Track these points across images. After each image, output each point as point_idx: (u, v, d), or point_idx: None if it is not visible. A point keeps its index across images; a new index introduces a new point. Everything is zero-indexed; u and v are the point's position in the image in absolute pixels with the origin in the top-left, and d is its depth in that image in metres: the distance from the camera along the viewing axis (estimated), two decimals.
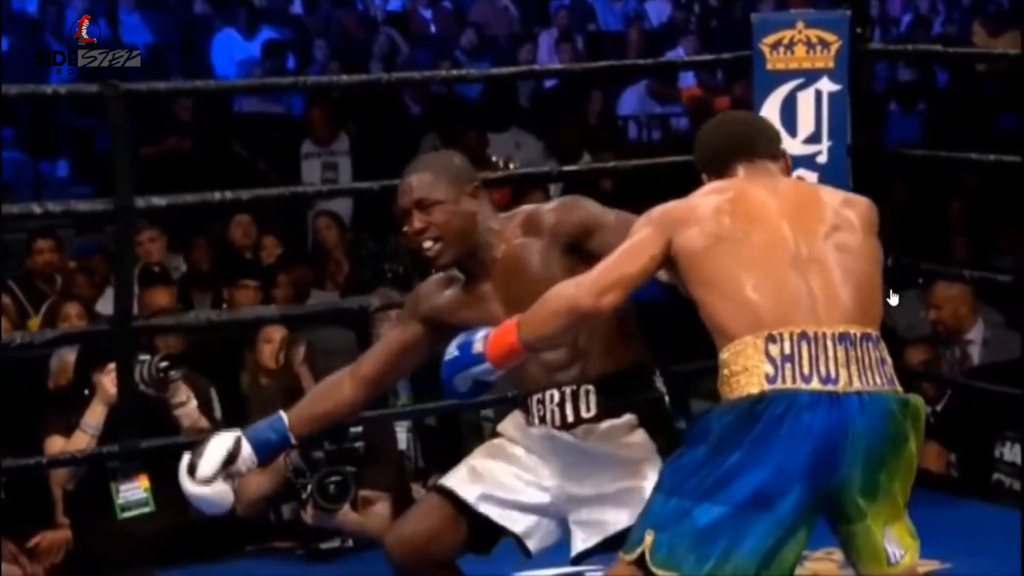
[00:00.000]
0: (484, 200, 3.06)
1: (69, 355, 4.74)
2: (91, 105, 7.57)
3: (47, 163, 8.91)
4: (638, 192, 5.89)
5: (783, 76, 4.66)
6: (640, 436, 3.00)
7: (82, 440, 4.28)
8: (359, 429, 4.19)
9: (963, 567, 4.02)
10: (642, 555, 2.65)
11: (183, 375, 4.36)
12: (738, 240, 2.69)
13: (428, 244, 3.01)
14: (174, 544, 4.30)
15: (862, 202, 2.81)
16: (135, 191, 4.15)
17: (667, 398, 3.09)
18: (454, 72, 6.68)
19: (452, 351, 2.83)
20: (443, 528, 3.06)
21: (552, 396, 3.00)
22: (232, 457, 3.05)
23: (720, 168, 2.87)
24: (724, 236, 2.70)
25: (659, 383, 3.08)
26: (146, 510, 4.25)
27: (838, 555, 4.12)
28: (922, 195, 7.20)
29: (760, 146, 2.88)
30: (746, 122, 2.98)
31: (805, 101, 4.65)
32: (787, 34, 4.66)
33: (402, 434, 5.00)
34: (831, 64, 4.63)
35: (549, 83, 9.59)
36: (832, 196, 2.80)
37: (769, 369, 2.61)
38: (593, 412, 3.00)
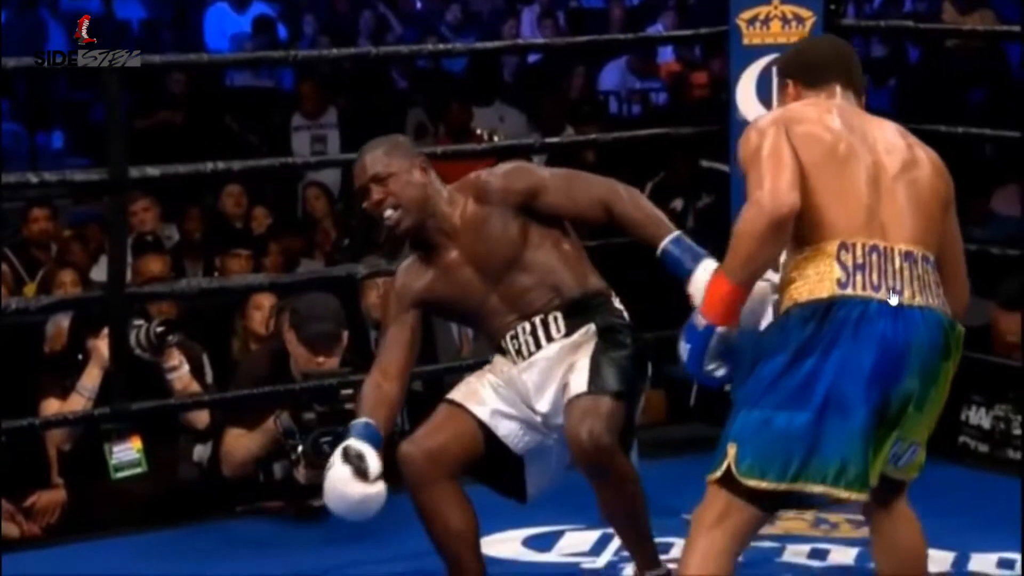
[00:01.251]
0: (432, 174, 3.29)
1: (64, 321, 4.73)
2: (86, 78, 7.54)
3: (43, 134, 8.88)
4: (619, 164, 5.88)
5: (759, 51, 4.66)
6: (594, 335, 3.25)
7: (78, 402, 4.27)
8: (350, 391, 4.19)
9: (932, 526, 4.03)
10: (728, 470, 2.69)
11: (178, 340, 4.35)
12: (831, 153, 2.74)
13: (388, 213, 3.23)
14: (165, 505, 4.29)
15: (933, 152, 2.87)
16: (129, 162, 4.13)
17: (626, 315, 3.33)
18: (440, 46, 6.65)
19: (683, 348, 2.78)
20: (453, 438, 3.28)
21: (524, 328, 3.25)
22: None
23: (818, 81, 2.89)
24: (821, 146, 2.74)
25: (617, 303, 3.33)
26: (139, 470, 4.26)
27: (809, 514, 4.15)
28: None
29: (855, 77, 2.93)
30: (851, 51, 2.99)
31: None
32: (763, 10, 4.66)
33: None
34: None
35: (532, 59, 9.57)
36: (910, 138, 2.86)
37: (840, 275, 2.68)
38: (563, 332, 3.27)
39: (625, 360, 3.23)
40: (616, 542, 3.93)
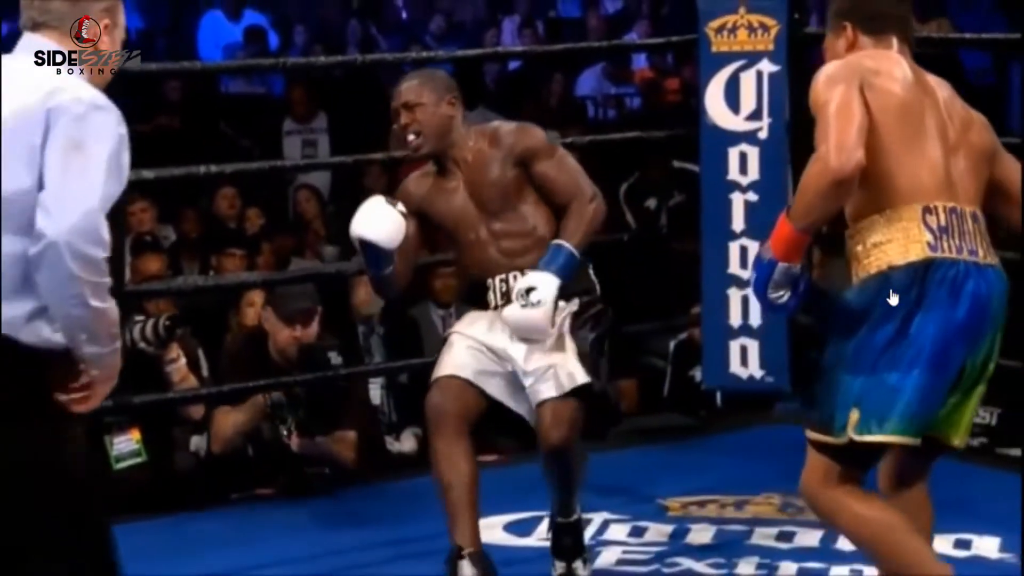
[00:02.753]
0: (459, 110, 3.55)
1: None
2: None
3: None
4: (596, 165, 5.88)
5: (727, 58, 4.66)
6: (572, 305, 3.48)
7: None
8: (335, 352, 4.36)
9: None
10: (846, 433, 2.68)
11: (182, 334, 4.37)
12: (905, 110, 2.70)
13: (411, 137, 3.50)
14: (162, 494, 4.28)
15: (982, 116, 2.86)
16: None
17: (597, 284, 3.57)
18: (424, 54, 6.65)
19: (751, 276, 2.82)
20: (466, 399, 3.43)
21: (515, 276, 3.46)
22: None
23: (876, 29, 2.82)
24: (895, 101, 2.70)
25: (592, 273, 3.57)
26: (138, 460, 4.27)
27: (776, 499, 4.16)
28: None
29: (910, 31, 2.86)
30: (910, 3, 2.89)
31: (747, 81, 4.65)
32: (730, 19, 4.66)
33: (377, 391, 5.02)
34: (771, 47, 4.63)
35: (513, 66, 9.56)
36: (958, 97, 2.83)
37: (930, 238, 2.67)
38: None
39: (590, 343, 3.47)
40: (592, 528, 3.94)
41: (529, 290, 3.37)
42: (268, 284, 4.81)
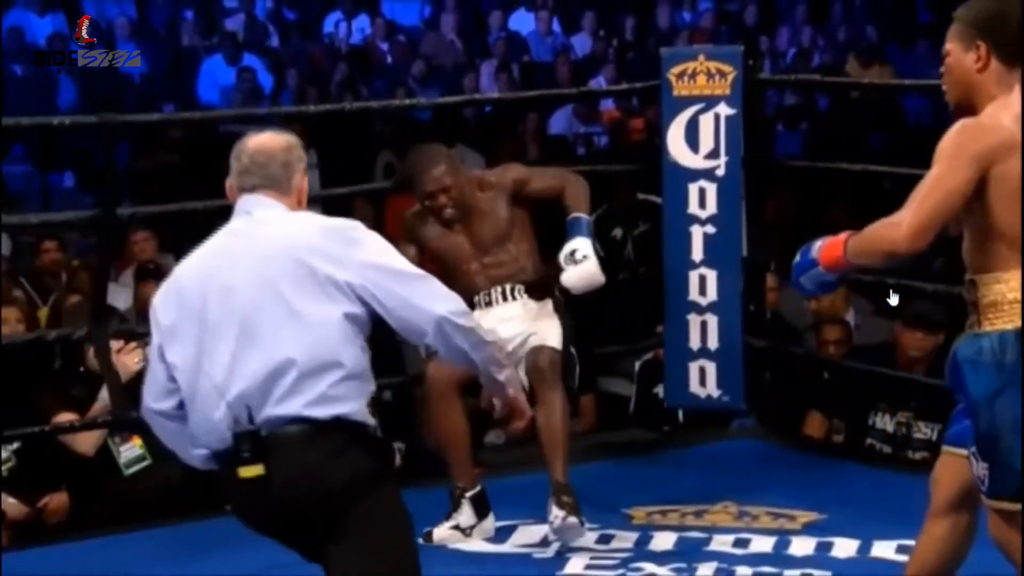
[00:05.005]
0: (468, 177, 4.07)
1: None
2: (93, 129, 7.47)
3: (55, 175, 8.79)
4: None
5: (687, 101, 4.68)
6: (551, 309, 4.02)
7: (99, 408, 4.25)
8: None
9: (841, 517, 4.05)
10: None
11: None
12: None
13: (448, 211, 3.98)
14: (161, 504, 4.25)
15: None
16: (132, 197, 4.15)
17: (561, 297, 4.06)
18: (407, 101, 6.68)
19: (797, 258, 2.74)
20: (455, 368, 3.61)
21: (496, 290, 3.98)
22: None
23: (1011, 56, 2.47)
24: (1014, 183, 2.42)
25: (557, 289, 4.04)
26: (146, 464, 4.27)
27: (733, 508, 4.16)
28: (807, 203, 7.23)
29: None
30: None
31: (706, 123, 4.67)
32: (690, 65, 4.68)
33: None
34: (728, 91, 4.65)
35: (489, 107, 9.57)
36: None
37: None
38: (523, 299, 4.01)
39: (567, 329, 4.00)
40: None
41: (572, 252, 3.90)
42: None
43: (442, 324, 2.48)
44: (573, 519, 3.75)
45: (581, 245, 3.92)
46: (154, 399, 2.56)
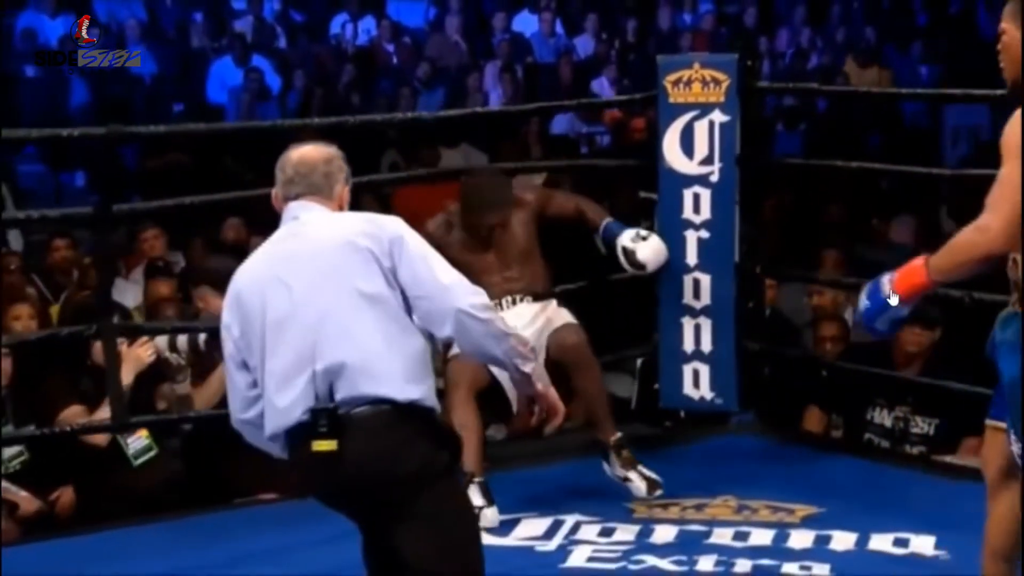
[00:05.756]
0: None
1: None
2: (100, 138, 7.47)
3: (67, 174, 8.80)
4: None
5: (683, 108, 4.68)
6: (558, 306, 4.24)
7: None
8: None
9: (839, 511, 4.05)
10: None
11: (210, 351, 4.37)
12: None
13: (496, 234, 4.17)
14: (166, 499, 4.24)
15: None
16: (143, 198, 4.15)
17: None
18: (409, 115, 6.75)
19: (864, 302, 2.64)
20: (477, 370, 3.93)
21: (507, 299, 4.15)
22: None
23: None
24: None
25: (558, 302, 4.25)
26: (153, 454, 4.27)
27: (733, 502, 4.16)
28: (805, 201, 7.23)
29: None
30: None
31: (701, 129, 4.66)
32: (686, 73, 4.67)
33: None
34: (722, 99, 4.64)
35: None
36: None
37: None
38: (529, 300, 4.21)
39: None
40: (565, 528, 3.94)
41: (636, 234, 4.31)
42: None
43: (461, 316, 2.53)
44: (643, 472, 4.07)
45: (633, 231, 4.31)
46: (240, 410, 2.64)
